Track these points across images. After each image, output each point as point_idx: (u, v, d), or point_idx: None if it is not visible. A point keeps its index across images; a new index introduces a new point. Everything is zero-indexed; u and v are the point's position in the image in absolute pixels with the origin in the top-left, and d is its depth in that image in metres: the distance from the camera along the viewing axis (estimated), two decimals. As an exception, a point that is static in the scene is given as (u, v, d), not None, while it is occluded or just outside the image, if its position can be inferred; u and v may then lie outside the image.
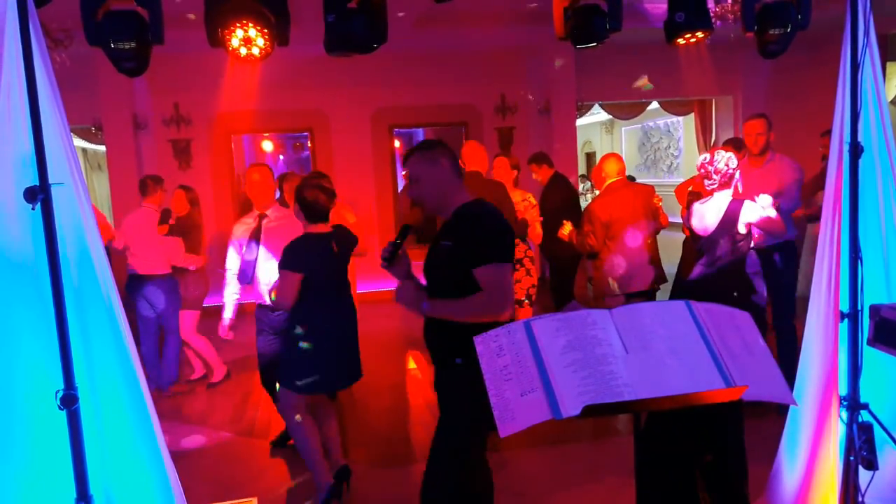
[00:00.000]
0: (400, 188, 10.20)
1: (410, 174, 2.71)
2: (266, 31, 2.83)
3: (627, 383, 1.97)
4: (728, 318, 2.21)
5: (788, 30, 3.11)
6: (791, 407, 2.97)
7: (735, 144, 5.50)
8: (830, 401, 2.79)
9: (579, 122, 10.60)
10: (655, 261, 4.80)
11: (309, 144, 9.66)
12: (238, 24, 2.80)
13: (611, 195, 4.79)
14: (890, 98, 9.23)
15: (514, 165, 5.53)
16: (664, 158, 16.41)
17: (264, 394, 5.09)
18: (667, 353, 2.05)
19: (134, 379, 2.32)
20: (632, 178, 16.73)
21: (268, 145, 13.69)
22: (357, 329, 3.77)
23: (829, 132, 4.57)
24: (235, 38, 2.88)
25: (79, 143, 10.63)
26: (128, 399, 2.30)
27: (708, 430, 2.25)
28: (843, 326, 2.77)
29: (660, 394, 1.95)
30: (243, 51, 2.84)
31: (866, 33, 2.68)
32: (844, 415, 2.77)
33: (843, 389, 2.78)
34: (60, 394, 2.10)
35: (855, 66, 2.69)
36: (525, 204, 5.22)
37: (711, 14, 3.58)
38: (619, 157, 4.97)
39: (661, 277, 4.81)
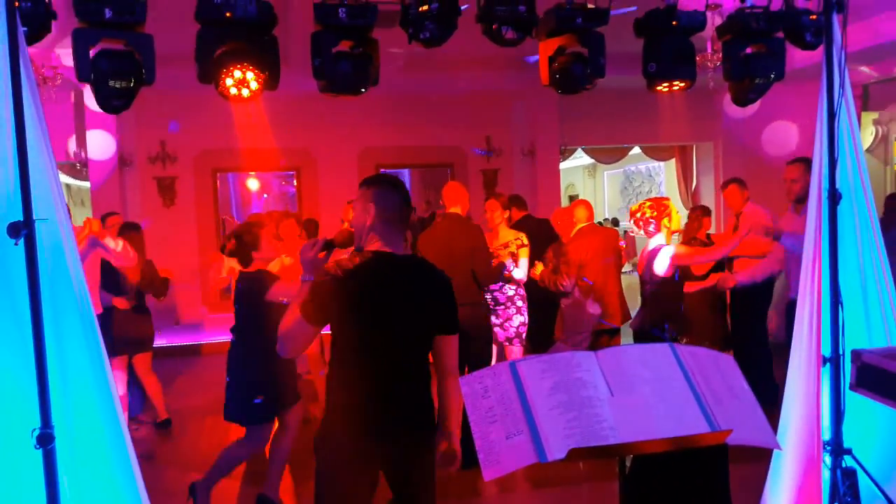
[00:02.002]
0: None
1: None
2: (261, 75, 2.87)
3: (613, 426, 1.95)
4: (712, 362, 2.21)
5: (770, 79, 3.20)
6: (775, 451, 2.96)
7: (740, 183, 5.63)
8: (814, 445, 2.79)
9: (563, 165, 10.73)
10: (622, 298, 5.26)
11: (295, 183, 9.69)
12: (236, 67, 2.83)
13: (582, 239, 5.26)
14: (866, 146, 9.46)
15: (506, 206, 5.60)
16: (646, 202, 16.61)
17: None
18: (651, 395, 2.04)
19: (114, 416, 2.27)
20: (615, 221, 16.99)
21: (253, 184, 13.70)
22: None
23: (795, 161, 4.79)
24: (230, 79, 2.91)
25: (63, 178, 10.58)
26: (107, 439, 2.26)
27: (693, 474, 2.23)
28: (825, 371, 2.78)
29: (645, 437, 1.94)
30: (234, 91, 2.87)
31: (842, 84, 2.76)
32: (828, 459, 2.76)
33: (826, 434, 2.78)
34: (37, 433, 2.05)
35: (832, 115, 2.76)
36: (517, 243, 5.25)
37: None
38: (588, 204, 5.52)
39: (627, 315, 5.26)
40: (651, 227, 4.19)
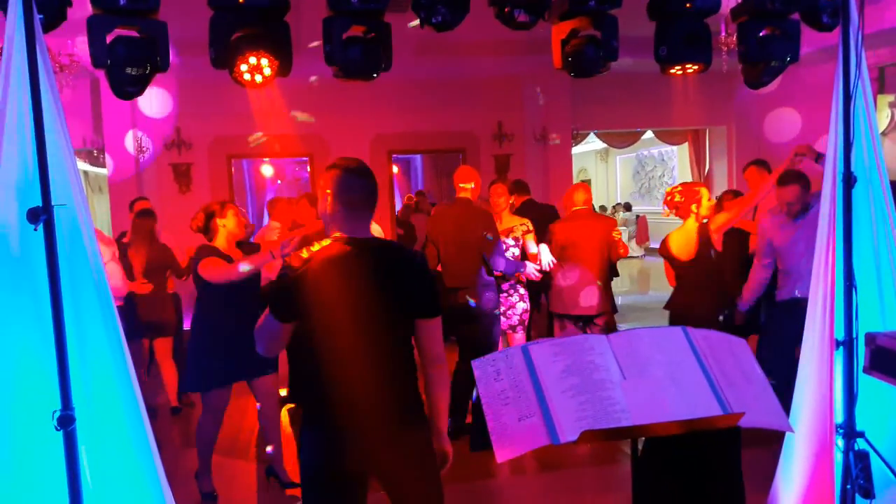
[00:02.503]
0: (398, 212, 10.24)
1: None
2: (274, 61, 2.87)
3: (625, 409, 1.96)
4: (725, 345, 2.21)
5: (785, 62, 3.15)
6: (787, 434, 2.95)
7: (761, 164, 5.56)
8: (827, 428, 2.78)
9: (575, 150, 10.67)
10: (601, 289, 5.10)
11: (308, 169, 9.70)
12: (251, 53, 2.83)
13: (573, 221, 5.18)
14: (882, 129, 9.33)
15: (511, 191, 5.56)
16: (659, 187, 16.51)
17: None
18: (664, 379, 2.05)
19: (133, 400, 2.30)
20: (628, 206, 16.91)
21: (267, 170, 13.76)
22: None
23: (790, 181, 4.66)
24: (245, 65, 2.91)
25: (81, 165, 10.64)
26: (126, 420, 2.28)
27: (705, 457, 2.23)
28: (839, 354, 2.77)
29: (657, 420, 1.95)
30: (247, 76, 2.87)
31: (858, 65, 2.72)
32: (841, 442, 2.75)
33: (839, 417, 2.77)
34: (57, 414, 2.08)
35: (847, 98, 2.72)
36: (523, 229, 5.24)
37: None
38: (587, 188, 5.41)
39: (603, 305, 5.09)
40: (679, 211, 4.36)
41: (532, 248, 5.13)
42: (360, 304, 2.18)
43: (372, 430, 2.18)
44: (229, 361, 3.84)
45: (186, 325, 5.80)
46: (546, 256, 5.03)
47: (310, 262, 2.16)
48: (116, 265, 5.00)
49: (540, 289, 5.57)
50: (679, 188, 4.40)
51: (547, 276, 5.16)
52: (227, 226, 3.92)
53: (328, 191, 2.28)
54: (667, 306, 4.48)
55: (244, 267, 3.63)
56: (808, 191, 4.17)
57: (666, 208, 4.45)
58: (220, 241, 3.92)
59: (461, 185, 4.86)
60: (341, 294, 2.17)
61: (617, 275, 6.32)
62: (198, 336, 3.93)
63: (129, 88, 2.69)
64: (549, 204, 6.77)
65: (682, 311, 4.29)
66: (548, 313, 5.53)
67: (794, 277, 4.17)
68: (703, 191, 4.37)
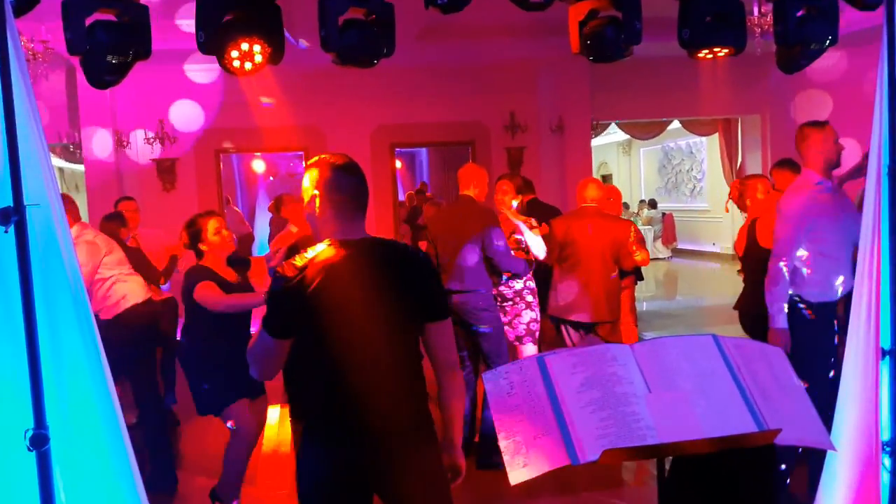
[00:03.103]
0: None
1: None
2: (267, 48, 2.88)
3: (650, 425, 1.95)
4: (759, 355, 2.20)
5: (825, 45, 3.13)
6: (829, 452, 2.94)
7: (792, 167, 5.54)
8: (872, 446, 2.76)
9: (594, 142, 10.67)
10: (601, 296, 4.99)
11: (303, 165, 9.73)
12: (244, 39, 2.84)
13: (575, 219, 5.10)
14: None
15: (519, 189, 5.39)
16: (686, 182, 16.46)
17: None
18: (693, 392, 2.04)
19: (112, 416, 2.30)
20: (653, 203, 16.86)
21: (259, 165, 13.80)
22: None
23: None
24: (236, 51, 2.92)
25: (55, 162, 10.70)
26: (105, 438, 2.29)
27: (739, 478, 2.22)
28: (885, 364, 2.75)
29: (686, 437, 1.94)
30: (237, 63, 2.88)
31: (905, 47, 2.70)
32: (888, 461, 2.73)
33: (886, 434, 2.75)
34: (30, 433, 2.09)
35: (894, 83, 2.71)
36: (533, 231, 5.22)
37: None
38: (600, 184, 5.30)
39: (602, 314, 5.01)
40: (739, 205, 4.71)
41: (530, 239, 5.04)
42: (364, 311, 2.16)
43: (378, 446, 2.18)
44: (229, 381, 3.86)
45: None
46: (534, 242, 4.92)
47: (305, 271, 2.13)
48: (136, 277, 5.02)
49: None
50: (737, 181, 4.74)
51: (546, 274, 5.16)
52: (211, 247, 3.94)
53: (315, 192, 2.25)
54: (735, 306, 4.59)
55: (234, 304, 3.78)
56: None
57: (731, 202, 4.71)
58: (211, 261, 3.95)
59: (463, 188, 4.86)
60: (343, 301, 2.14)
61: (641, 279, 6.30)
62: (194, 358, 3.97)
63: (107, 77, 2.70)
64: (554, 206, 6.71)
65: (741, 310, 4.44)
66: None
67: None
68: (759, 184, 4.53)
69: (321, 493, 2.22)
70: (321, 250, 2.18)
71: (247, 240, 10.61)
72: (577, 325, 5.07)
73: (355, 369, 2.16)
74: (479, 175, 4.89)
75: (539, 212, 6.04)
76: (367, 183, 2.34)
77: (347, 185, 2.26)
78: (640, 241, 5.54)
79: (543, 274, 5.51)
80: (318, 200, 2.25)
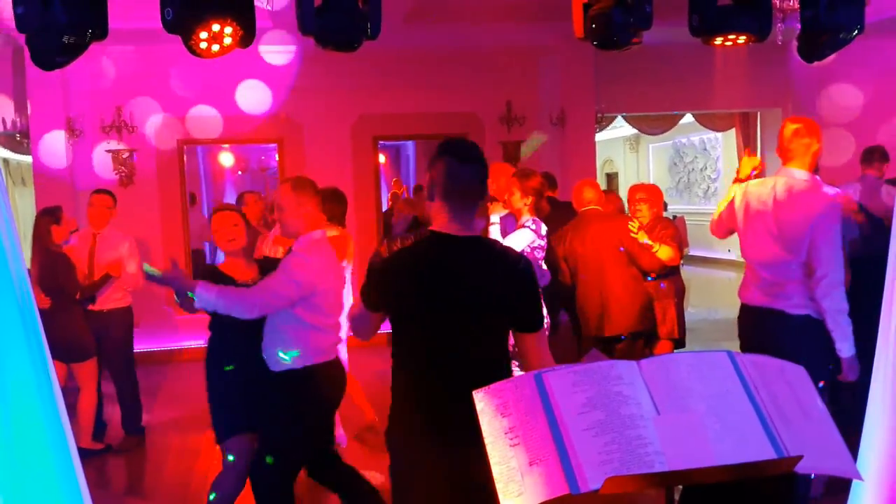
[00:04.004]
0: (384, 209, 10.23)
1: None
2: (238, 30, 2.88)
3: (659, 451, 1.95)
4: (779, 373, 2.20)
5: (853, 34, 3.16)
6: (854, 482, 2.95)
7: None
8: (902, 475, 2.77)
9: (599, 136, 10.70)
10: (626, 307, 5.06)
11: (276, 158, 9.71)
12: (215, 20, 2.84)
13: (572, 229, 5.20)
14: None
15: (529, 190, 5.29)
16: (700, 181, 16.54)
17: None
18: (706, 414, 2.04)
19: (61, 433, 2.29)
20: (664, 206, 16.87)
21: (227, 158, 13.75)
22: None
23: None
24: (206, 32, 2.92)
25: (0, 152, 10.65)
26: (54, 461, 2.27)
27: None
28: (917, 385, 2.77)
29: (698, 464, 1.94)
30: (204, 45, 2.88)
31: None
32: (919, 492, 2.75)
33: (917, 461, 2.77)
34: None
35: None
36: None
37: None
38: (595, 185, 5.46)
39: (630, 326, 5.07)
40: None
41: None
42: (443, 304, 2.48)
43: (446, 435, 2.41)
44: (237, 408, 3.84)
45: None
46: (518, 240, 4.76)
47: (396, 256, 2.60)
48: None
49: (557, 305, 5.53)
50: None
51: (566, 287, 5.16)
52: (219, 245, 3.94)
53: (430, 177, 2.55)
54: None
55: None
56: None
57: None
58: (226, 260, 3.97)
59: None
60: (414, 294, 2.49)
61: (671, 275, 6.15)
62: (213, 374, 3.93)
63: (58, 59, 2.70)
64: (568, 202, 6.73)
65: None
66: (573, 335, 5.53)
67: None
68: None
69: (409, 481, 2.52)
70: (420, 240, 2.59)
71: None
72: (606, 343, 5.08)
73: (434, 366, 2.49)
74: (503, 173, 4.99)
75: (556, 211, 6.02)
76: (482, 173, 2.56)
77: (461, 175, 2.52)
78: (671, 236, 5.38)
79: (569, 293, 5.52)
80: (431, 186, 2.55)
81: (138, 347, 6.38)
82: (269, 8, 6.29)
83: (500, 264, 2.55)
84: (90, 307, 5.81)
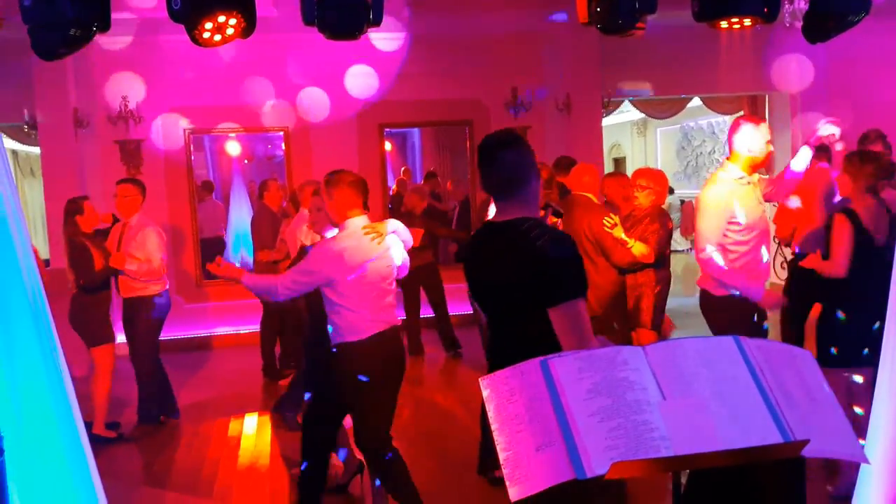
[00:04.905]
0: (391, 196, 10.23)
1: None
2: (242, 22, 2.89)
3: (665, 436, 1.95)
4: (786, 358, 2.20)
5: (860, 17, 3.14)
6: (863, 465, 2.95)
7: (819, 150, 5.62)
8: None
9: (606, 121, 10.66)
10: (607, 292, 5.08)
11: (283, 147, 9.70)
12: (222, 12, 2.85)
13: (569, 213, 5.00)
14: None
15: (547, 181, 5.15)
16: (708, 165, 16.46)
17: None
18: (712, 399, 2.04)
19: (70, 420, 2.31)
20: (670, 190, 16.82)
21: (234, 148, 13.74)
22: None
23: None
24: (211, 23, 2.92)
25: (8, 143, 10.67)
26: (63, 446, 2.29)
27: (763, 494, 2.23)
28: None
29: (704, 449, 1.94)
30: (207, 35, 2.88)
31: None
32: (927, 475, 2.75)
33: (924, 444, 2.77)
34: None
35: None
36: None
37: None
38: (591, 169, 5.40)
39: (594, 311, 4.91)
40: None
41: None
42: (484, 288, 2.78)
43: None
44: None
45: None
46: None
47: (466, 249, 2.85)
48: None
49: None
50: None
51: None
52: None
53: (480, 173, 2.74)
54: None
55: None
56: None
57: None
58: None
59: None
60: (472, 277, 2.83)
61: (659, 267, 6.16)
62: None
63: (61, 50, 2.70)
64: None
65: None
66: None
67: None
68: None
69: None
70: (478, 229, 2.91)
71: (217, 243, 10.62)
72: None
73: (495, 345, 2.79)
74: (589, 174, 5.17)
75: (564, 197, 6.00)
76: (517, 159, 2.66)
77: (500, 166, 2.67)
78: (654, 231, 5.32)
79: None
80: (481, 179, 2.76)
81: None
82: None
83: (515, 244, 2.61)
84: (123, 295, 6.00)
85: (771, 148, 4.02)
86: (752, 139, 4.03)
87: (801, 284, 5.08)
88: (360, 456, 4.30)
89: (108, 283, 5.95)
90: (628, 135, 18.67)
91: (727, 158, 4.21)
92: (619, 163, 18.77)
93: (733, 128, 4.14)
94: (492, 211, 4.71)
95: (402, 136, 15.52)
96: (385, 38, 8.47)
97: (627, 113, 14.03)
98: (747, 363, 2.13)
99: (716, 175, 4.27)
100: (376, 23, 2.97)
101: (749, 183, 4.16)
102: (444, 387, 7.38)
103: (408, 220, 6.07)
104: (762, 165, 4.19)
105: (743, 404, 2.04)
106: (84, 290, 5.75)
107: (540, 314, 2.56)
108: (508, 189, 2.67)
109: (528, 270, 2.57)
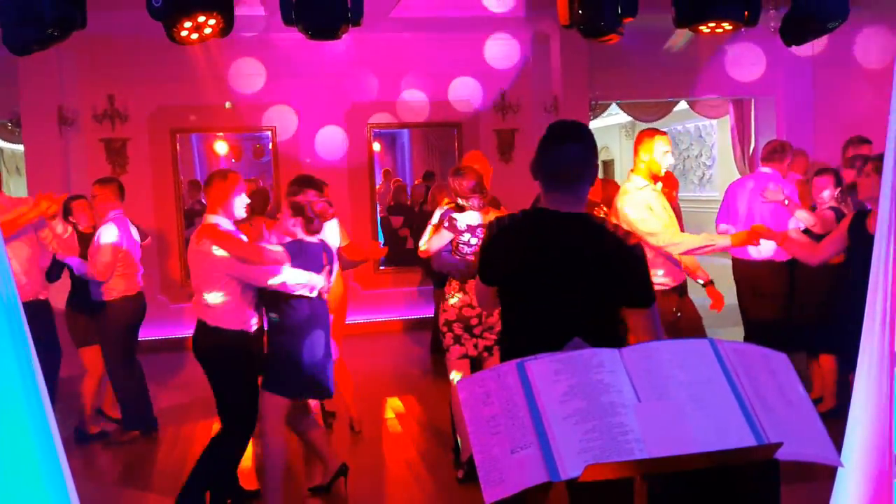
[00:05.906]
0: (379, 198, 10.22)
1: None
2: (220, 21, 2.88)
3: (639, 438, 1.96)
4: (761, 361, 2.21)
5: (838, 23, 3.16)
6: (839, 469, 2.96)
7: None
8: (885, 461, 2.78)
9: (593, 124, 10.68)
10: None
11: (270, 147, 9.68)
12: (201, 13, 2.85)
13: None
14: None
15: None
16: (695, 168, 16.52)
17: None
18: (687, 402, 2.05)
19: (45, 426, 2.29)
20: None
21: (221, 147, 13.70)
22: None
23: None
24: (190, 22, 2.92)
25: (-7, 141, 10.62)
26: (38, 454, 2.27)
27: (737, 496, 2.24)
28: (901, 372, 2.77)
29: (678, 451, 1.94)
30: (185, 33, 2.88)
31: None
32: (902, 478, 2.76)
33: (900, 448, 2.78)
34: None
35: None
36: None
37: None
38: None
39: None
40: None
41: None
42: (545, 279, 2.61)
43: None
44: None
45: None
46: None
47: (501, 233, 2.66)
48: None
49: None
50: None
51: None
52: None
53: (537, 161, 2.68)
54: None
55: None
56: None
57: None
58: None
59: None
60: (527, 265, 2.63)
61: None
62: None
63: (34, 47, 2.69)
64: None
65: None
66: None
67: None
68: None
69: None
70: (526, 215, 2.71)
71: None
72: None
73: (538, 335, 2.55)
74: (481, 165, 4.89)
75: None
76: (582, 154, 2.64)
77: (557, 156, 2.64)
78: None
79: None
80: (534, 169, 2.70)
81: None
82: None
83: (608, 240, 2.61)
84: (93, 297, 5.83)
85: (670, 159, 4.35)
86: (653, 150, 4.33)
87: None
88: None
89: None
90: (616, 137, 18.70)
91: (631, 171, 4.55)
92: (607, 165, 18.80)
93: (636, 141, 4.44)
94: (469, 216, 4.65)
95: (391, 137, 15.52)
96: (375, 39, 8.47)
97: (615, 116, 14.07)
98: (722, 366, 2.13)
99: (624, 187, 4.59)
100: (355, 23, 2.96)
101: (653, 190, 4.51)
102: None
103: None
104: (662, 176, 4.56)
105: (717, 407, 2.05)
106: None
107: (611, 308, 2.63)
108: (568, 181, 2.65)
109: (624, 268, 2.60)
